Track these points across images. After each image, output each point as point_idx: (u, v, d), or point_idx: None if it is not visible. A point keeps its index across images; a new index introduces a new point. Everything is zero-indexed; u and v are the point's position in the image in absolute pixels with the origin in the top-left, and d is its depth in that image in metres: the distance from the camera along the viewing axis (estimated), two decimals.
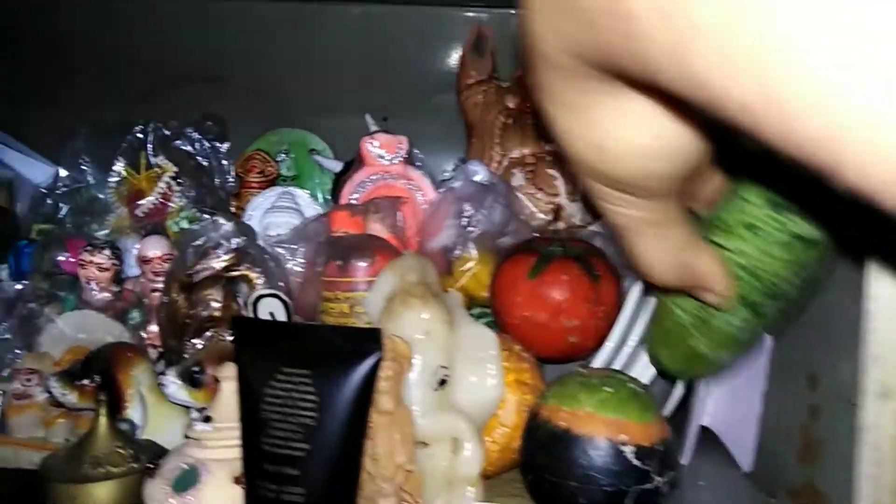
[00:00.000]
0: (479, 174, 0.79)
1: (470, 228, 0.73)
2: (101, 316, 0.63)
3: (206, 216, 0.76)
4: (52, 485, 0.48)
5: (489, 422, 0.53)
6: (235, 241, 0.65)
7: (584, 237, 0.70)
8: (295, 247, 0.70)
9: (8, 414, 0.60)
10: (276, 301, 0.61)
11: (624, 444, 0.45)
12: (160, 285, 0.67)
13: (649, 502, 0.45)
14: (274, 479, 0.41)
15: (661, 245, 0.34)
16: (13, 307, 0.64)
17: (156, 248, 0.69)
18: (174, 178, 0.79)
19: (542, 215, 0.83)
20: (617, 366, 0.55)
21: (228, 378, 0.47)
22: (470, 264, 0.71)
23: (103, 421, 0.50)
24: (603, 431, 0.45)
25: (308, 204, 0.78)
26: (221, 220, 0.66)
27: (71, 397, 0.55)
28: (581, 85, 0.24)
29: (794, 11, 0.15)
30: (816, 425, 0.47)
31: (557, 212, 0.83)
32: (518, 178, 0.87)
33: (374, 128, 0.92)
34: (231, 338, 0.61)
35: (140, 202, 0.78)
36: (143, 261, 0.69)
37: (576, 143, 0.27)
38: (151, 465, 0.46)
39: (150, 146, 0.79)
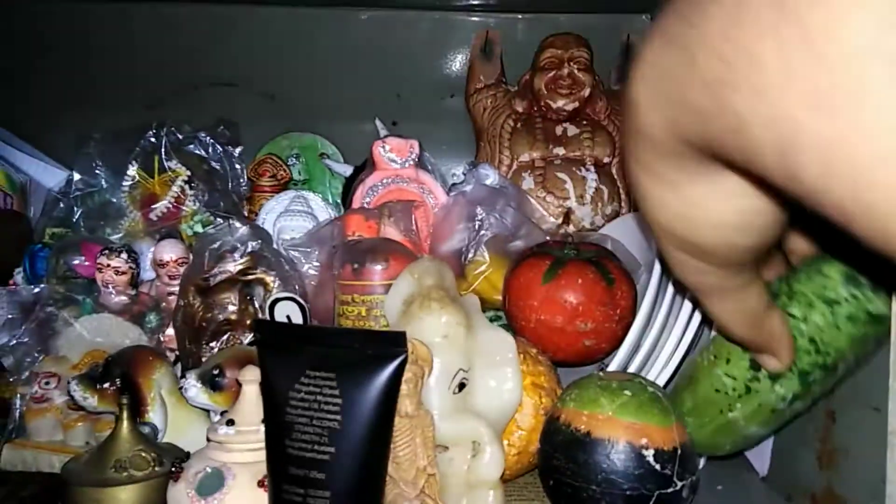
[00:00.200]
0: (490, 177, 0.79)
1: (482, 232, 0.73)
2: (119, 319, 0.63)
3: (220, 220, 0.76)
4: (75, 489, 0.48)
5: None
6: (251, 245, 0.65)
7: (596, 240, 0.70)
8: (309, 250, 0.70)
9: (27, 417, 0.60)
10: (292, 304, 0.62)
11: (645, 447, 0.45)
12: (176, 289, 0.67)
13: None
14: (300, 483, 0.41)
15: (736, 307, 0.36)
16: (30, 310, 0.64)
17: (172, 251, 0.69)
18: (187, 182, 0.79)
19: (552, 219, 0.84)
20: (632, 369, 0.55)
21: (251, 381, 0.47)
22: (482, 268, 0.71)
23: (126, 424, 0.50)
24: (623, 435, 0.45)
25: (320, 207, 0.78)
26: (237, 224, 0.66)
27: (92, 400, 0.56)
28: (678, 162, 0.25)
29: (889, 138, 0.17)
30: (835, 430, 0.47)
31: (567, 215, 0.84)
32: (527, 182, 0.87)
33: (383, 132, 0.93)
34: (248, 341, 0.61)
35: (153, 206, 0.78)
36: (159, 264, 0.69)
37: (664, 211, 0.28)
38: (175, 469, 0.46)
39: (163, 150, 0.79)
